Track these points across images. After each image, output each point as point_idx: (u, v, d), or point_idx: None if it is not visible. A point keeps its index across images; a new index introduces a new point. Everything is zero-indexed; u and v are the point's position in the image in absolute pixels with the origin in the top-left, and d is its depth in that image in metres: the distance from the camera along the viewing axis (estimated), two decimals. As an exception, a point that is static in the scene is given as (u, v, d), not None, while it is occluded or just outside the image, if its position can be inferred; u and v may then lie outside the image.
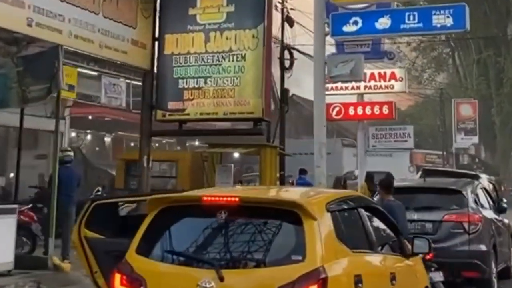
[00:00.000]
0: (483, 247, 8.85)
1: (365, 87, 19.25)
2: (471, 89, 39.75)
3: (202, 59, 9.72)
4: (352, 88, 19.36)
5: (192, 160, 15.31)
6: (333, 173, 31.21)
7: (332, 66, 15.83)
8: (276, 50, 17.49)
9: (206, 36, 9.74)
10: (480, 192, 10.01)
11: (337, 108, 19.42)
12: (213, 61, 9.68)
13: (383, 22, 14.34)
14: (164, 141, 31.67)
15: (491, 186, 13.49)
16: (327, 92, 19.97)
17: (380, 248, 5.26)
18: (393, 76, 18.96)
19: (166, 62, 10.03)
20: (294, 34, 16.99)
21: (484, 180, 13.30)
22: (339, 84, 19.45)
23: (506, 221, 10.93)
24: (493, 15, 38.75)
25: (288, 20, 16.59)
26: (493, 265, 9.12)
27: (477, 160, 36.90)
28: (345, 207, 4.97)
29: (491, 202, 10.47)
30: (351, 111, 19.32)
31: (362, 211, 5.12)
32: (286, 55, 17.07)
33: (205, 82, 9.72)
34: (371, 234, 5.05)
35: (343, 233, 4.44)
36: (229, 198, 4.24)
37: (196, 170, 15.12)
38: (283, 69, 16.86)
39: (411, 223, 9.03)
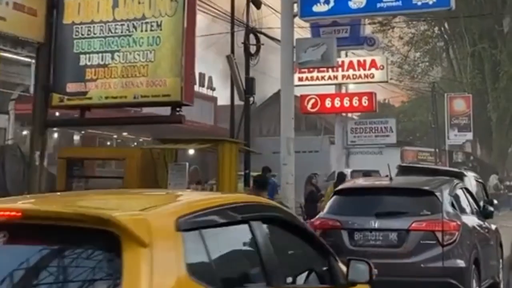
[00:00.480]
0: (460, 263, 7.04)
1: (343, 76, 17.47)
2: (465, 83, 37.95)
3: (109, 29, 7.91)
4: (329, 78, 17.58)
5: (142, 158, 13.46)
6: (321, 172, 29.63)
7: (301, 51, 14.11)
8: (240, 34, 15.71)
9: (114, 0, 7.93)
10: (460, 193, 8.20)
11: (312, 100, 17.64)
12: (122, 32, 7.87)
13: (358, 1, 12.66)
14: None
15: (476, 185, 11.73)
16: (301, 83, 18.28)
17: (292, 280, 3.51)
18: (373, 64, 17.18)
19: (65, 34, 8.20)
20: (261, 16, 15.31)
21: (471, 178, 11.49)
22: (315, 74, 17.72)
23: (493, 227, 9.13)
24: (488, 7, 36.95)
25: (254, 1, 14.86)
26: (474, 283, 7.32)
27: (472, 157, 35.08)
28: (222, 221, 3.13)
29: (474, 206, 8.65)
30: (328, 103, 17.53)
31: (258, 226, 3.31)
32: (253, 40, 15.32)
33: (112, 58, 7.91)
34: (272, 260, 3.25)
35: (208, 266, 2.80)
36: (6, 213, 2.63)
37: (146, 169, 13.27)
38: (248, 55, 15.10)
39: (371, 232, 7.24)
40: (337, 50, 18.22)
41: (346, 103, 17.15)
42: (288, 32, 13.81)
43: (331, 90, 17.65)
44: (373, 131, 16.99)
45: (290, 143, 13.98)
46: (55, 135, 25.99)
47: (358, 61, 17.24)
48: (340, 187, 7.97)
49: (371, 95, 17.20)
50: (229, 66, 14.61)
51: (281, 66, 14.16)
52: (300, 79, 17.68)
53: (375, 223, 7.20)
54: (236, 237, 3.26)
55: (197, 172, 14.03)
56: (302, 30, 17.13)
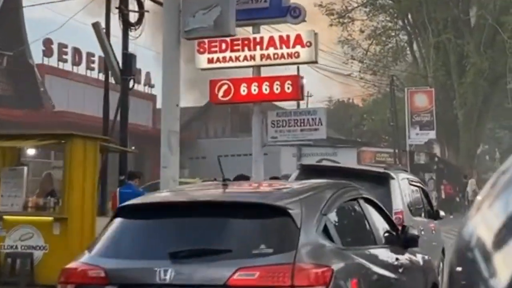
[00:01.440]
0: None
1: (262, 56, 13.98)
2: (428, 77, 34.83)
3: None
4: (246, 58, 14.07)
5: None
6: (267, 177, 26.14)
7: (188, 16, 10.64)
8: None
9: None
10: (350, 210, 4.72)
11: (225, 87, 14.08)
12: None
13: None
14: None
15: (411, 193, 8.28)
16: (211, 65, 14.76)
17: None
18: (298, 40, 13.67)
19: None
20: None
21: (402, 182, 8.06)
22: (228, 54, 14.23)
23: (421, 261, 5.65)
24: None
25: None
26: None
27: (436, 159, 31.85)
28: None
29: (383, 228, 5.14)
30: (243, 89, 13.99)
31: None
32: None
33: None
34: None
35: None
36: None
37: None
38: (126, 24, 11.55)
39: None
40: (257, 25, 14.78)
41: (266, 89, 13.64)
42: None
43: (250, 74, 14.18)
44: (299, 123, 13.57)
45: (173, 139, 10.45)
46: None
47: (280, 37, 13.72)
48: (124, 204, 4.38)
49: (296, 79, 13.67)
50: (96, 38, 11.05)
51: (164, 37, 10.72)
52: (210, 60, 14.12)
53: (167, 274, 3.66)
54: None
55: (50, 179, 10.42)
56: None
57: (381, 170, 8.05)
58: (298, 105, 30.68)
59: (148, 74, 31.87)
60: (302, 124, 13.70)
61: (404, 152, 28.75)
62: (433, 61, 32.76)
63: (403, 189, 7.89)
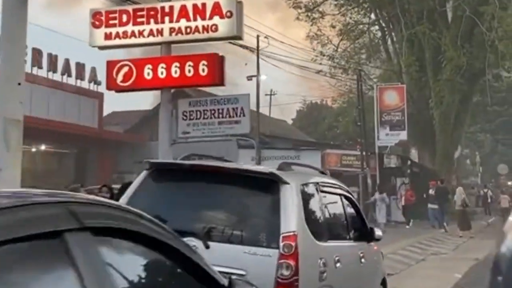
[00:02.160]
0: None
1: (171, 30, 11.13)
2: (403, 74, 32.19)
3: None
4: (151, 33, 11.21)
5: None
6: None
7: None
8: None
9: None
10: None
11: (125, 69, 11.19)
12: None
13: None
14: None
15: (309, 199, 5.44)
16: (110, 42, 11.90)
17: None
18: (216, 10, 10.85)
19: None
20: None
21: (301, 188, 5.22)
22: (130, 28, 11.40)
23: None
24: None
25: None
26: None
27: (409, 162, 29.12)
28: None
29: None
30: (147, 72, 11.12)
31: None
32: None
33: None
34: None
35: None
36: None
37: None
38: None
39: None
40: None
41: (175, 71, 10.80)
42: None
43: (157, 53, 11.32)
44: (216, 115, 10.80)
45: (11, 130, 7.56)
46: None
47: (194, 6, 10.90)
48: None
49: (213, 59, 10.84)
50: None
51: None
52: (108, 36, 11.26)
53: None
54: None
55: None
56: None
57: (268, 169, 5.19)
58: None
59: (93, 69, 28.83)
60: (220, 116, 10.90)
61: (373, 154, 26.02)
62: (406, 56, 30.04)
63: (303, 200, 5.06)
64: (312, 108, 49.59)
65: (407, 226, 23.16)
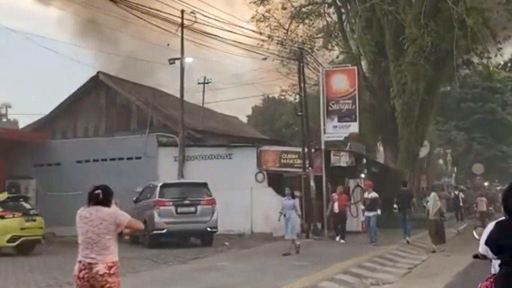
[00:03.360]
0: None
1: None
2: (354, 56, 27.69)
3: None
4: None
5: None
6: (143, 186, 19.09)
7: None
8: None
9: None
10: None
11: None
12: None
13: None
14: None
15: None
16: None
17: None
18: None
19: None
20: None
21: None
22: None
23: None
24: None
25: None
26: None
27: (364, 160, 24.52)
28: None
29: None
30: None
31: None
32: None
33: None
34: None
35: None
36: None
37: None
38: None
39: None
40: None
41: None
42: None
43: None
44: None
45: None
46: None
47: None
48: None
49: None
50: None
51: None
52: None
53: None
54: None
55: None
56: None
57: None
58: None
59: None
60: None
61: (318, 151, 21.43)
62: (359, 35, 25.53)
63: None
64: (269, 103, 44.97)
65: (342, 241, 18.46)
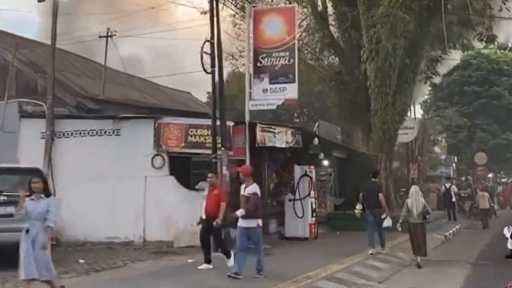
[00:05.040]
0: None
1: None
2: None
3: None
4: None
5: None
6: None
7: None
8: None
9: None
10: None
11: None
12: None
13: None
14: None
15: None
16: None
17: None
18: None
19: None
20: None
21: None
22: None
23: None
24: None
25: None
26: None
27: (317, 140, 17.50)
28: None
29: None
30: None
31: None
32: None
33: None
34: None
35: None
36: None
37: None
38: None
39: None
40: None
41: None
42: None
43: None
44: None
45: None
46: None
47: None
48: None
49: None
50: None
51: None
52: None
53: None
54: None
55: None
56: None
57: None
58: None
59: None
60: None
61: (241, 125, 14.71)
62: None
63: None
64: (233, 78, 38.28)
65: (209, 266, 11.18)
